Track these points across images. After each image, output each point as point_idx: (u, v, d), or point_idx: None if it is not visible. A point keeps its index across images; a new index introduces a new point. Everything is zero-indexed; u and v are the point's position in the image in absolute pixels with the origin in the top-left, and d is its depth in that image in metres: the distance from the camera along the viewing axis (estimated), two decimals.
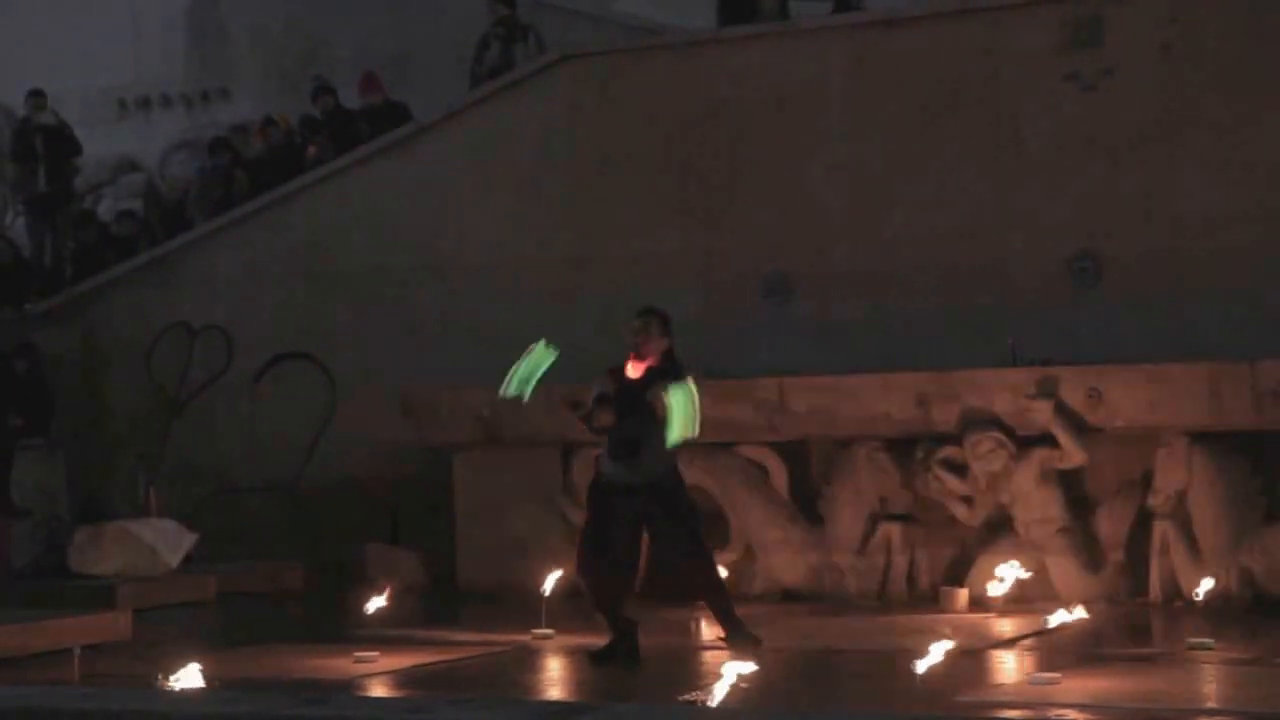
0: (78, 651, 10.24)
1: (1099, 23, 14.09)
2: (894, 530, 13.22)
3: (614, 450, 10.40)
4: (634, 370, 10.43)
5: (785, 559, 13.46)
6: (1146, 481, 12.62)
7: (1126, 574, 12.65)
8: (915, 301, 14.52)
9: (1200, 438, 12.42)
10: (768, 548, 13.53)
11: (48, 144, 18.74)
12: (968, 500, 13.00)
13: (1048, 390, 12.60)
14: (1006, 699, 9.03)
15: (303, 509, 16.40)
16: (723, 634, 10.63)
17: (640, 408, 10.22)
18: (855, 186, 14.89)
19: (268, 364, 16.84)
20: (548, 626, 11.52)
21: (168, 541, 14.72)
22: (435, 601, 14.01)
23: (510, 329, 15.64)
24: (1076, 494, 12.84)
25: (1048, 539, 12.72)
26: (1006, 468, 12.75)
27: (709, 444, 13.25)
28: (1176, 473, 12.46)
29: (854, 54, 15.03)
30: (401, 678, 10.23)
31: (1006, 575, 12.40)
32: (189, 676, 8.82)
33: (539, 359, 10.37)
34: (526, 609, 11.92)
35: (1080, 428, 12.58)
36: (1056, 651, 10.49)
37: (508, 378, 10.43)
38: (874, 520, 13.28)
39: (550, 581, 12.01)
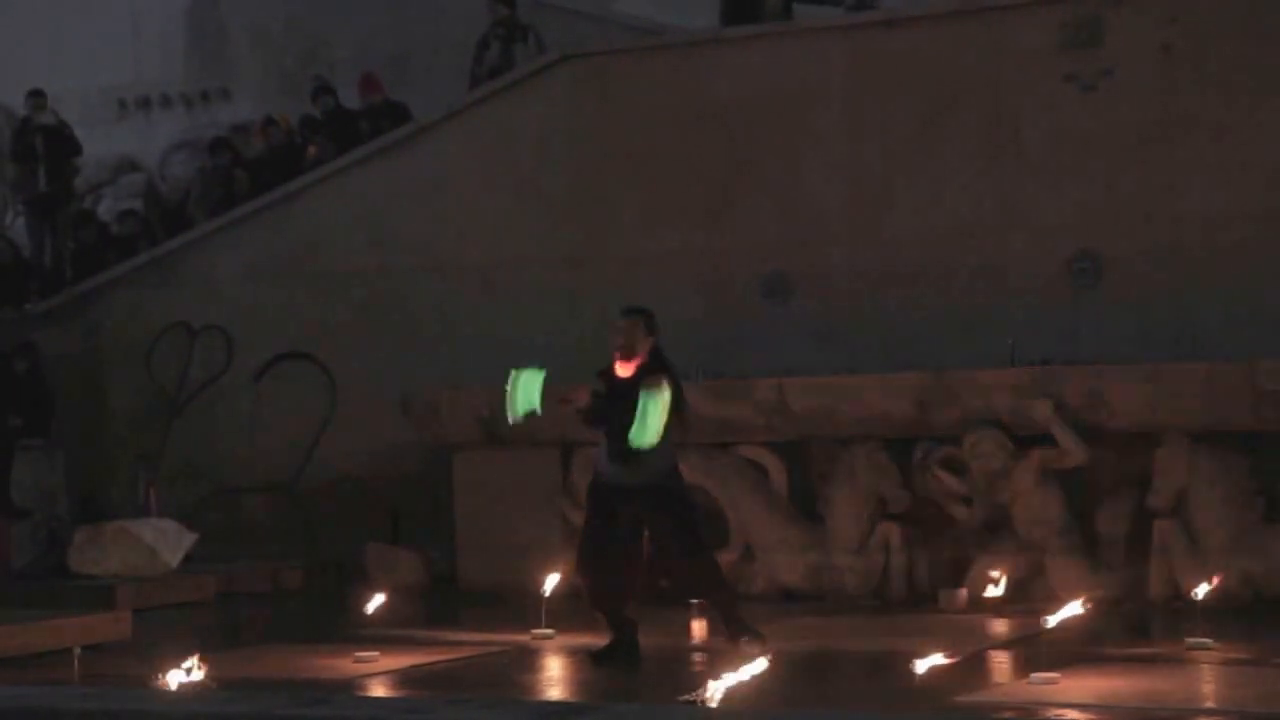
0: (78, 651, 10.24)
1: (1099, 23, 14.09)
2: (893, 530, 13.22)
3: (613, 451, 10.39)
4: (623, 370, 10.37)
5: (784, 559, 13.46)
6: (1146, 481, 12.62)
7: (1126, 574, 12.65)
8: (915, 301, 14.53)
9: (1200, 438, 12.42)
10: (767, 547, 13.54)
11: (48, 144, 18.74)
12: (967, 500, 13.01)
13: (1047, 390, 12.60)
14: (1005, 699, 9.03)
15: (303, 509, 16.42)
16: (727, 632, 10.61)
17: (632, 414, 10.17)
18: (855, 186, 14.90)
19: (268, 364, 16.85)
20: (548, 626, 11.52)
21: (168, 541, 14.73)
22: (435, 601, 14.02)
23: (510, 329, 15.72)
24: (1076, 494, 12.84)
25: (1047, 539, 12.72)
26: (1006, 468, 12.74)
27: (708, 444, 13.30)
28: (1176, 473, 12.46)
29: (854, 54, 15.04)
30: (401, 678, 10.24)
31: (1000, 579, 12.42)
32: (188, 676, 8.83)
33: (531, 381, 10.31)
34: (526, 609, 11.92)
35: (1079, 428, 12.57)
36: (1055, 651, 10.49)
37: (509, 407, 10.36)
38: (873, 520, 13.28)
39: (550, 582, 12.01)
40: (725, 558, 12.88)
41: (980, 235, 14.46)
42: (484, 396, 14.38)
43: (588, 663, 10.47)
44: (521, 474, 14.34)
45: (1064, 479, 12.76)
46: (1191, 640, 10.44)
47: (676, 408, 10.35)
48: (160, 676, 8.99)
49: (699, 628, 11.82)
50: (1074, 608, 11.54)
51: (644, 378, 10.22)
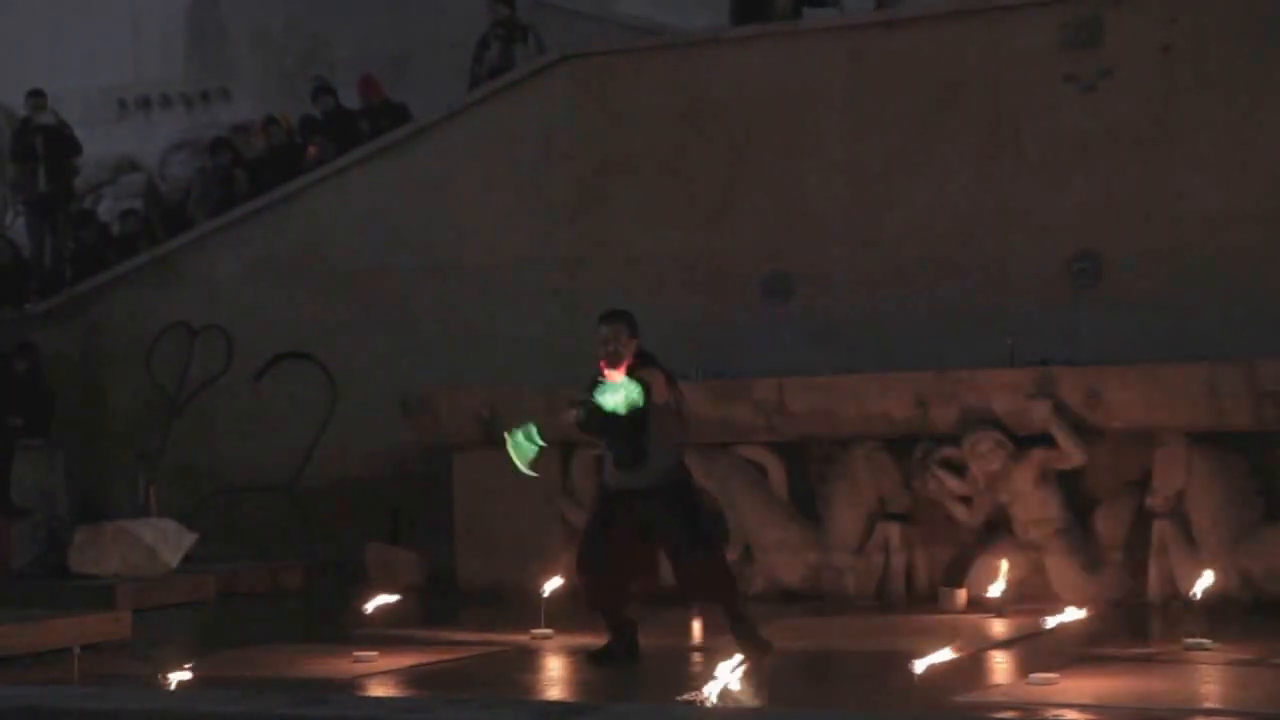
0: (78, 651, 10.25)
1: (1098, 23, 14.10)
2: (893, 530, 13.22)
3: (618, 458, 10.33)
4: (613, 376, 10.24)
5: (784, 559, 13.46)
6: (1145, 482, 12.61)
7: (1125, 574, 12.65)
8: (915, 302, 14.54)
9: (1199, 438, 12.42)
10: (766, 547, 13.54)
11: (48, 144, 18.75)
12: (966, 500, 13.00)
13: (1047, 390, 12.60)
14: (1004, 699, 9.03)
15: (303, 509, 16.42)
16: (732, 634, 10.51)
17: (634, 411, 10.13)
18: (855, 186, 14.90)
19: (268, 364, 16.86)
20: (547, 626, 11.52)
21: (167, 541, 14.73)
22: (435, 601, 14.01)
23: (510, 329, 15.74)
24: (1075, 494, 12.84)
25: (1046, 539, 12.72)
26: (1005, 468, 12.74)
27: (708, 444, 13.30)
28: (1175, 473, 12.46)
29: (854, 54, 15.04)
30: (401, 678, 10.24)
31: (1001, 578, 12.43)
32: (187, 676, 8.84)
33: (525, 435, 10.26)
34: (526, 609, 11.93)
35: (1079, 428, 12.58)
36: (1054, 652, 10.49)
37: (515, 464, 10.31)
38: (873, 520, 13.28)
39: (550, 582, 12.02)
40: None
41: (980, 235, 14.46)
42: (484, 396, 14.41)
43: (586, 663, 10.46)
44: (522, 474, 14.31)
45: (1063, 479, 12.76)
46: (1190, 640, 10.44)
47: (676, 407, 10.32)
48: (160, 676, 9.00)
49: (699, 628, 11.83)
50: (1073, 613, 11.59)
51: (638, 375, 10.16)
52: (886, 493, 13.26)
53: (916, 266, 14.58)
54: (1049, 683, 9.20)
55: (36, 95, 18.90)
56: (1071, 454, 12.59)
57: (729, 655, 8.81)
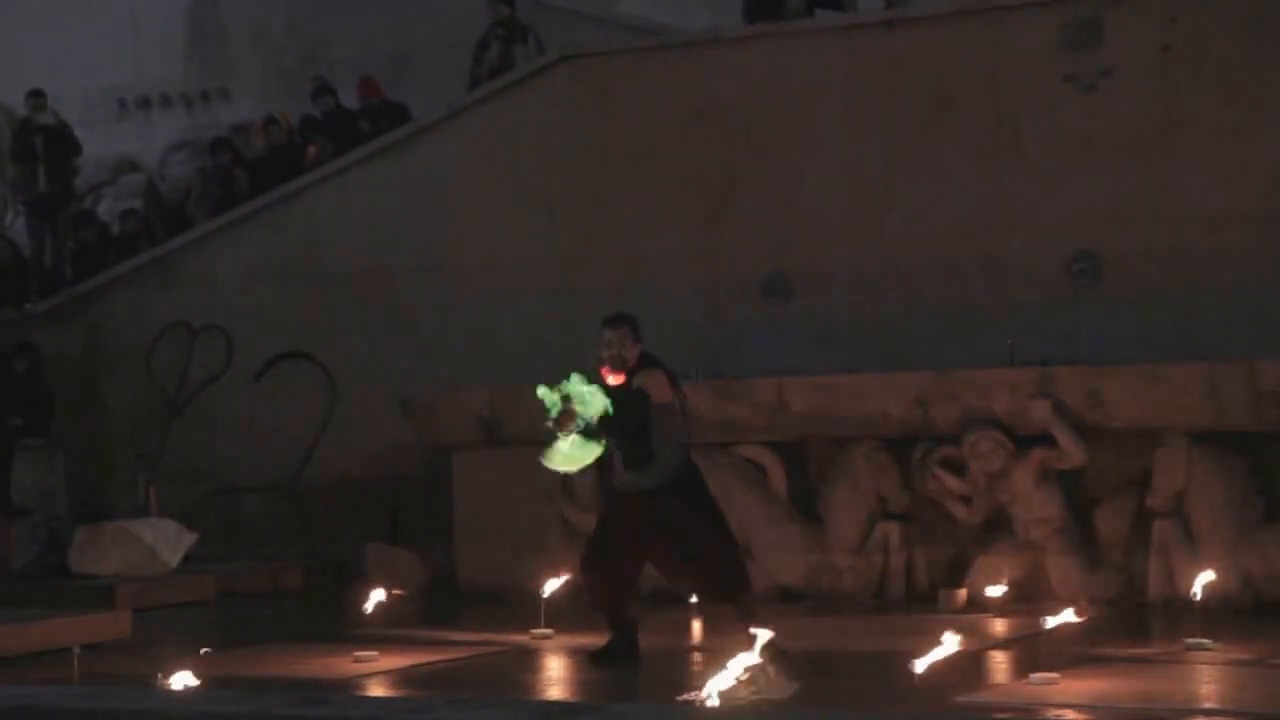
0: (78, 651, 10.24)
1: (1098, 23, 14.10)
2: (892, 530, 13.22)
3: (626, 460, 10.30)
4: (615, 379, 10.20)
5: (784, 559, 13.46)
6: (1145, 481, 12.61)
7: (1125, 574, 12.65)
8: (915, 301, 14.54)
9: (1199, 438, 12.42)
10: (766, 547, 13.53)
11: (48, 144, 18.75)
12: (966, 500, 13.01)
13: (1047, 390, 12.60)
14: (1004, 699, 9.03)
15: (303, 509, 16.42)
16: (739, 632, 10.44)
17: (637, 414, 10.11)
18: (855, 186, 14.90)
19: (268, 364, 16.86)
20: (547, 626, 11.52)
21: (167, 541, 14.74)
22: (435, 601, 14.02)
23: (510, 329, 15.74)
24: (1075, 494, 12.84)
25: (1046, 539, 12.72)
26: (1005, 467, 12.75)
27: (708, 444, 13.30)
28: (1175, 473, 12.46)
29: (854, 54, 15.04)
30: (401, 678, 10.23)
31: (1001, 581, 12.43)
32: (187, 676, 8.83)
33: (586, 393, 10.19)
34: (526, 609, 11.93)
35: (1079, 428, 12.58)
36: (1054, 652, 10.49)
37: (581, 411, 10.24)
38: (872, 520, 13.28)
39: (550, 583, 12.02)
40: None
41: (980, 235, 14.46)
42: (484, 396, 14.41)
43: (587, 663, 10.45)
44: (521, 474, 14.26)
45: (1063, 479, 12.76)
46: (1190, 641, 10.44)
47: (680, 407, 10.31)
48: (160, 676, 9.00)
49: (699, 628, 11.83)
50: (1070, 615, 11.58)
51: (635, 379, 10.15)
52: (886, 493, 13.27)
53: (916, 266, 14.58)
54: (1049, 683, 9.20)
55: (36, 95, 18.90)
56: (1071, 454, 12.59)
57: (732, 655, 8.78)
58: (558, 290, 15.71)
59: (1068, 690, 9.06)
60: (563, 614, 11.70)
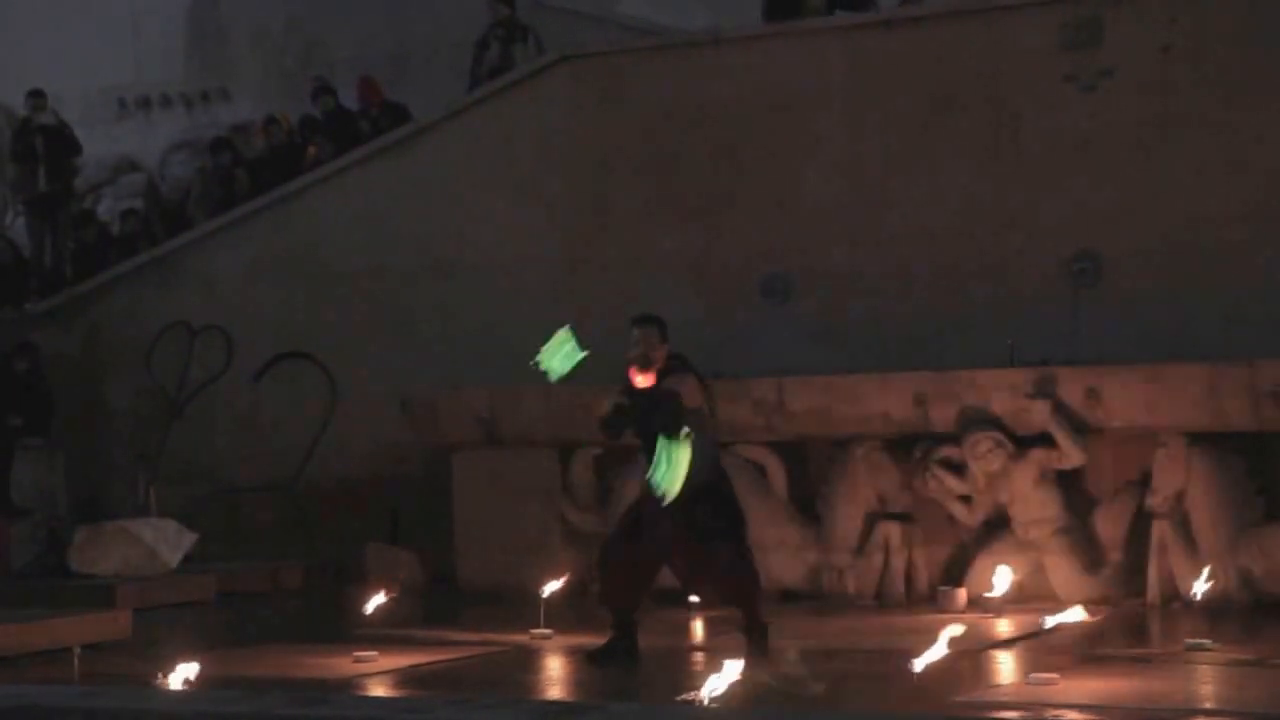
0: (78, 651, 10.25)
1: (1098, 23, 14.10)
2: (892, 530, 13.23)
3: (650, 463, 10.23)
4: (643, 381, 10.13)
5: (783, 559, 13.46)
6: (1145, 482, 12.62)
7: (1125, 574, 12.66)
8: (914, 301, 14.53)
9: (1198, 438, 12.42)
10: (766, 547, 13.49)
11: (48, 144, 18.74)
12: (966, 500, 13.02)
13: (1046, 390, 12.61)
14: (1004, 699, 9.03)
15: (303, 509, 16.42)
16: (745, 638, 10.39)
17: (668, 417, 9.98)
18: (854, 187, 14.90)
19: (268, 364, 16.86)
20: (547, 626, 11.53)
21: (168, 541, 14.74)
22: (435, 601, 14.02)
23: (510, 329, 15.70)
24: (1075, 494, 12.85)
25: (1046, 539, 12.73)
26: (1005, 468, 12.76)
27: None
28: (1175, 473, 12.47)
29: (853, 54, 15.04)
30: (401, 677, 10.24)
31: (1003, 578, 12.43)
32: (187, 676, 8.84)
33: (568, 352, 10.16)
34: (526, 609, 11.93)
35: (1079, 428, 12.59)
36: (1054, 652, 10.50)
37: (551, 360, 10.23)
38: (872, 520, 13.29)
39: (550, 583, 12.03)
40: None
41: (980, 235, 14.46)
42: (483, 397, 14.42)
43: (585, 663, 10.45)
44: (521, 474, 14.35)
45: (1063, 479, 12.77)
46: (1190, 641, 10.44)
47: (710, 411, 10.26)
48: (160, 676, 9.00)
49: (699, 628, 11.83)
50: (1076, 613, 11.59)
51: (666, 382, 10.05)
52: (886, 493, 13.27)
53: (916, 266, 14.58)
54: (1049, 683, 9.20)
55: (36, 95, 18.90)
56: (1071, 454, 12.60)
57: (732, 657, 8.79)
58: (558, 290, 15.70)
59: (1067, 690, 9.06)
60: (562, 614, 11.70)
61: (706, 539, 10.16)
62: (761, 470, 13.68)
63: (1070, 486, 12.82)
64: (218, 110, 20.85)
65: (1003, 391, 12.76)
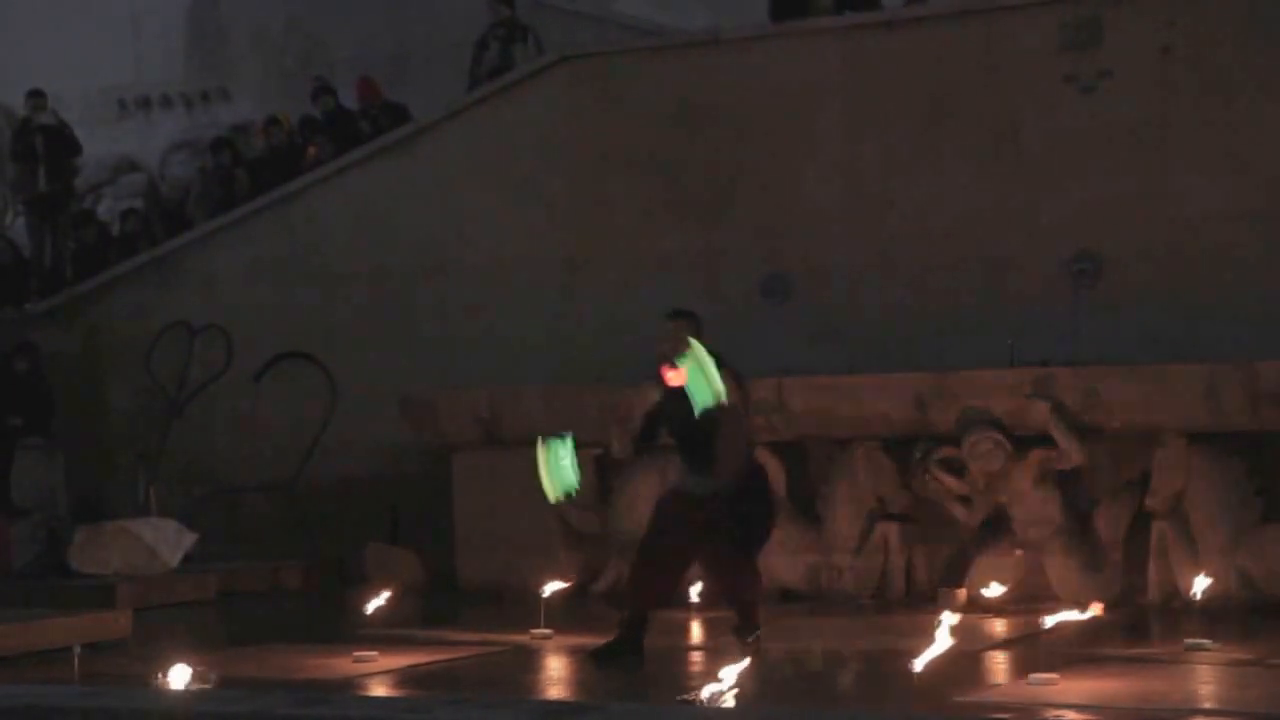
0: (78, 651, 10.25)
1: (1098, 24, 14.10)
2: (892, 530, 13.23)
3: (692, 464, 10.20)
4: (675, 378, 9.99)
5: (783, 559, 13.43)
6: (1144, 482, 12.62)
7: (1124, 575, 12.66)
8: (914, 301, 14.53)
9: (1198, 439, 12.42)
10: (765, 547, 13.51)
11: (48, 144, 18.75)
12: (966, 500, 13.01)
13: (1046, 391, 12.60)
14: (1004, 699, 9.04)
15: (302, 509, 16.42)
16: (735, 636, 10.40)
17: (705, 415, 9.97)
18: (854, 187, 14.90)
19: (268, 364, 16.86)
20: (547, 626, 11.53)
21: (168, 541, 14.74)
22: (435, 601, 14.02)
23: (510, 329, 15.74)
24: (1074, 494, 12.84)
25: (1045, 539, 12.72)
26: (1004, 468, 12.75)
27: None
28: (1174, 473, 12.46)
29: (853, 55, 15.04)
30: (401, 677, 10.24)
31: (1001, 583, 12.44)
32: (186, 676, 8.84)
33: (560, 453, 10.14)
34: (526, 609, 11.94)
35: (1078, 428, 12.58)
36: (1054, 652, 10.50)
37: (546, 486, 10.24)
38: (872, 520, 13.29)
39: (550, 583, 12.03)
40: None
41: (980, 235, 14.46)
42: (483, 397, 14.42)
43: (588, 661, 10.44)
44: (521, 474, 14.22)
45: (1062, 479, 12.76)
46: (1190, 641, 10.44)
47: (745, 409, 10.22)
48: (160, 676, 9.00)
49: (699, 628, 11.83)
50: (1077, 613, 11.59)
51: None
52: (886, 493, 13.27)
53: (916, 266, 14.58)
54: (1049, 683, 9.20)
55: (36, 95, 18.91)
56: (1070, 454, 12.60)
57: (733, 657, 8.79)
58: (558, 290, 15.71)
59: (1067, 690, 9.06)
60: (562, 614, 11.70)
61: (729, 539, 10.12)
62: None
63: (1070, 487, 12.81)
64: (218, 110, 20.85)
65: (1003, 392, 12.76)
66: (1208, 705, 9.05)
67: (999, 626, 11.75)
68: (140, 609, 12.90)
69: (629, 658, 10.32)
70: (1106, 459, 12.76)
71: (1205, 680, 9.67)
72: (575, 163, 15.84)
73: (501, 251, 16.01)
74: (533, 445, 10.24)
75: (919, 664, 8.91)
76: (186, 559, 14.89)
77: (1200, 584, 12.04)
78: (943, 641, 9.12)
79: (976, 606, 12.39)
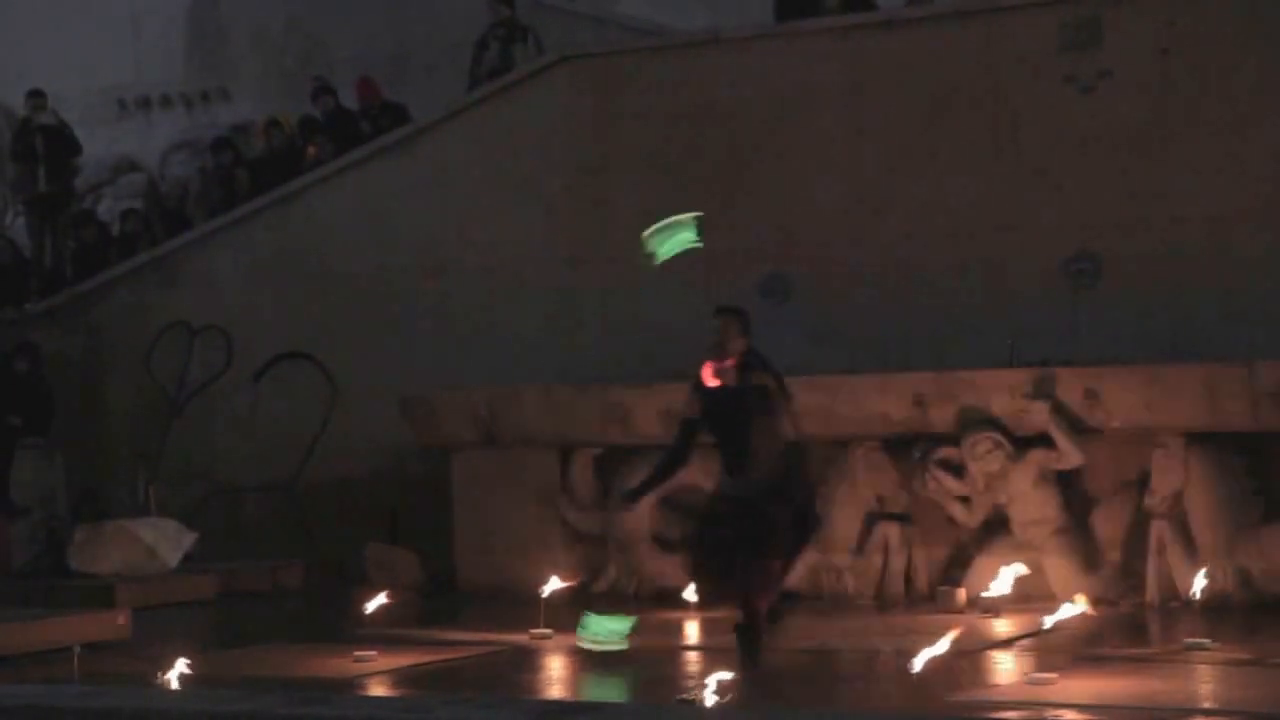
0: (78, 651, 10.26)
1: (1098, 24, 14.10)
2: (891, 530, 13.23)
3: (732, 467, 10.18)
4: (714, 381, 9.99)
5: None
6: (1143, 482, 12.62)
7: (1123, 574, 12.66)
8: (914, 301, 14.53)
9: (1197, 439, 12.42)
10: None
11: (48, 144, 18.75)
12: (965, 500, 13.01)
13: (1045, 391, 12.60)
14: (1003, 699, 9.04)
15: (303, 509, 16.42)
16: (735, 634, 10.35)
17: (741, 416, 9.91)
18: (854, 187, 14.90)
19: (268, 364, 16.86)
20: (547, 626, 11.53)
21: (167, 541, 14.75)
22: (434, 601, 14.03)
23: (509, 329, 15.74)
24: (1074, 495, 12.85)
25: (1045, 539, 12.72)
26: (1004, 468, 12.75)
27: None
28: (1173, 473, 12.46)
29: (853, 55, 15.04)
30: (400, 677, 10.25)
31: (1005, 577, 12.42)
32: (185, 675, 8.85)
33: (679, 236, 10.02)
34: (525, 609, 11.94)
35: (1077, 428, 12.58)
36: (1053, 651, 10.50)
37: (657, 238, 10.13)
38: (871, 520, 13.29)
39: (549, 583, 12.03)
40: None
41: (980, 235, 14.46)
42: (483, 396, 14.42)
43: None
44: (520, 474, 14.35)
45: (1062, 479, 12.77)
46: (1189, 640, 10.45)
47: (787, 410, 10.20)
48: (160, 676, 9.01)
49: (698, 628, 11.83)
50: (1074, 609, 11.58)
51: (753, 379, 9.95)
52: (885, 493, 13.27)
53: (916, 266, 14.58)
54: (1049, 683, 9.21)
55: (36, 95, 18.91)
56: (1070, 455, 12.60)
57: (731, 658, 8.81)
58: (558, 290, 15.71)
59: (1066, 690, 9.07)
60: (562, 614, 11.70)
61: (767, 538, 10.08)
62: None
63: (1069, 487, 12.81)
64: (218, 110, 20.84)
65: (1002, 392, 12.76)
66: (1207, 705, 9.05)
67: (999, 626, 11.75)
68: (140, 609, 12.90)
69: (750, 646, 10.05)
70: (1106, 459, 12.76)
71: (1205, 680, 9.68)
72: (575, 163, 15.83)
73: (501, 251, 16.01)
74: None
75: (918, 664, 8.91)
76: (186, 559, 14.90)
77: (1199, 584, 12.04)
78: (942, 642, 9.13)
79: (976, 606, 12.39)
